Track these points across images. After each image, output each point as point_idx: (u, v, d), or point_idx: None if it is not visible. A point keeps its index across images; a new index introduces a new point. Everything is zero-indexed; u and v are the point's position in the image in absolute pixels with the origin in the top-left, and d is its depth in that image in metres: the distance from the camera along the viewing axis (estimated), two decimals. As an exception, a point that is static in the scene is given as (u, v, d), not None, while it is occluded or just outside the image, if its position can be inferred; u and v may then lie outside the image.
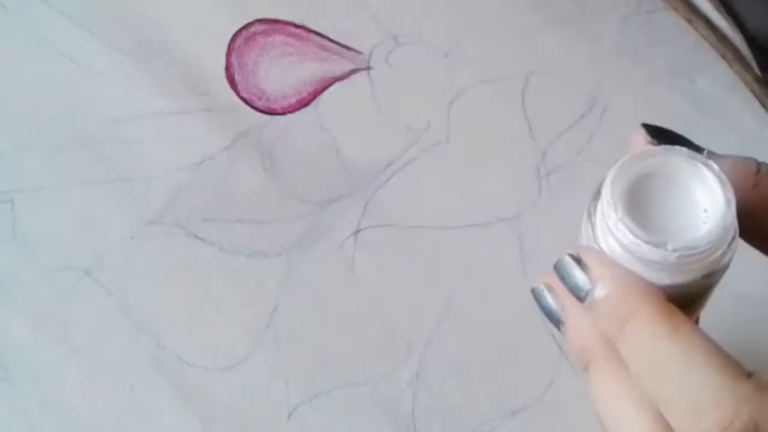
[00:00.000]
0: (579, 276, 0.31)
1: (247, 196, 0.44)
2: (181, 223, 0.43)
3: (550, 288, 0.33)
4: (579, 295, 0.31)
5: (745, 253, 0.32)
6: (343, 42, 0.49)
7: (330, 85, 0.48)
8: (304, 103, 0.47)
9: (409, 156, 0.47)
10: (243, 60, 0.47)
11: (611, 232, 0.30)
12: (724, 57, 0.53)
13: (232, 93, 0.46)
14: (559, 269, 0.33)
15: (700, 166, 0.30)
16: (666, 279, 0.29)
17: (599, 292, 0.30)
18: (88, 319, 0.40)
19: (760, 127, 0.51)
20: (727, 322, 0.39)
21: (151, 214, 0.43)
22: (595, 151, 0.48)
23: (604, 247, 0.30)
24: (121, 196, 0.43)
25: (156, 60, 0.46)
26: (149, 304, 0.41)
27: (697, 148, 0.33)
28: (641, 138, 0.35)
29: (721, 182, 0.29)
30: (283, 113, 0.47)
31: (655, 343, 0.29)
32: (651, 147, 0.33)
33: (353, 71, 0.48)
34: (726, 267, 0.30)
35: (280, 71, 0.47)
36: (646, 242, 0.28)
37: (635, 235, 0.28)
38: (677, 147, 0.32)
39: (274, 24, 0.48)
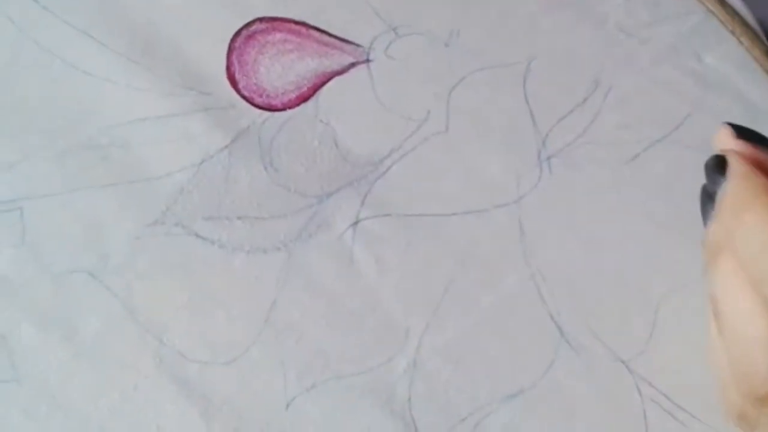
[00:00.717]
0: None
1: (246, 193, 0.45)
2: (183, 223, 0.44)
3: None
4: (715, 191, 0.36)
5: None
6: (343, 36, 0.49)
7: (329, 79, 0.48)
8: (303, 98, 0.48)
9: (409, 146, 0.47)
10: (243, 59, 0.48)
11: None
12: (733, 32, 0.52)
13: (233, 91, 0.47)
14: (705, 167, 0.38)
15: None
16: None
17: (726, 184, 0.35)
18: (93, 320, 0.42)
19: (769, 101, 0.50)
20: None
21: (154, 215, 0.44)
22: (598, 134, 0.48)
23: None
24: (125, 198, 0.44)
25: (158, 63, 0.47)
26: (152, 303, 0.42)
27: None
28: (727, 135, 0.37)
29: None
30: (283, 109, 0.47)
31: (760, 229, 0.33)
32: None
33: (353, 65, 0.49)
34: None
35: (280, 68, 0.48)
36: None
37: None
38: None
39: (273, 22, 0.49)
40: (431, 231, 0.45)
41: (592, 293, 0.44)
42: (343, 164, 0.46)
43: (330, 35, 0.49)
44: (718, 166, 0.36)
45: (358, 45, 0.49)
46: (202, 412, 0.41)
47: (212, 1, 0.49)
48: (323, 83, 0.48)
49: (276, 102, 0.47)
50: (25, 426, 0.40)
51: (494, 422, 0.41)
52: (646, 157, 0.48)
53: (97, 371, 0.41)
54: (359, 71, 0.49)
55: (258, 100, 0.47)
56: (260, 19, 0.49)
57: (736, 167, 0.36)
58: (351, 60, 0.49)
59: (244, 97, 0.47)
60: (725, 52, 0.51)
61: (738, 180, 0.36)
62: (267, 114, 0.47)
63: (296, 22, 0.49)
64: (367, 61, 0.49)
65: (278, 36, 0.49)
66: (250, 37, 0.49)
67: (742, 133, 0.37)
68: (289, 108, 0.47)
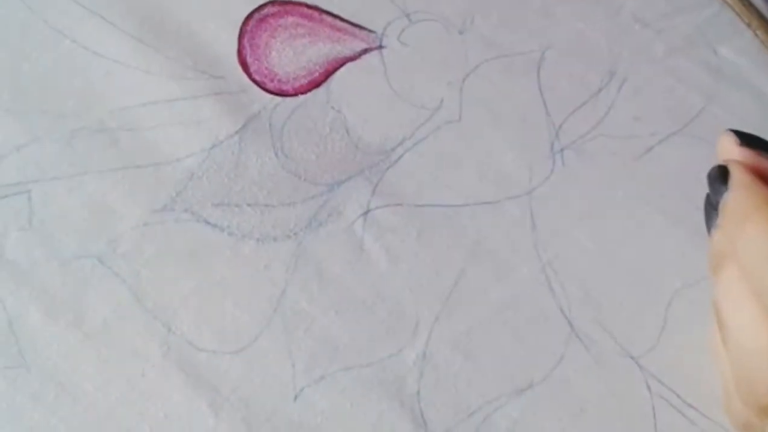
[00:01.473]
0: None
1: (257, 180, 0.45)
2: (192, 209, 0.44)
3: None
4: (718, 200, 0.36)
5: None
6: (355, 21, 0.49)
7: (342, 65, 0.48)
8: (315, 84, 0.47)
9: (421, 134, 0.47)
10: (255, 42, 0.48)
11: None
12: (749, 25, 0.52)
13: (244, 76, 0.47)
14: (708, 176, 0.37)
15: None
16: None
17: (728, 194, 0.35)
18: (101, 306, 0.41)
19: (785, 95, 0.50)
20: None
21: (163, 200, 0.44)
22: (612, 126, 0.48)
23: None
24: (134, 183, 0.44)
25: (169, 45, 0.47)
26: (160, 289, 0.42)
27: None
28: (731, 143, 0.37)
29: None
30: (294, 94, 0.47)
31: (762, 240, 0.33)
32: None
33: (365, 50, 0.48)
34: None
35: (292, 52, 0.48)
36: None
37: None
38: None
39: (286, 5, 0.49)
40: (443, 221, 0.45)
41: (603, 288, 0.44)
42: (354, 152, 0.46)
43: (343, 20, 0.49)
44: (720, 176, 0.36)
45: (371, 31, 0.49)
46: (209, 401, 0.40)
47: (224, -17, 0.48)
48: (335, 69, 0.48)
49: (287, 87, 0.47)
50: (33, 411, 0.40)
51: (504, 416, 0.41)
52: (660, 151, 0.47)
53: (105, 358, 0.41)
54: (372, 57, 0.48)
55: (269, 85, 0.47)
56: (272, 2, 0.49)
57: (738, 177, 0.36)
58: (364, 46, 0.48)
59: (255, 82, 0.47)
60: (741, 45, 0.51)
61: (740, 190, 0.35)
62: (278, 99, 0.47)
63: (309, 6, 0.49)
64: (380, 47, 0.48)
65: (290, 20, 0.48)
66: (261, 20, 0.48)
67: (746, 140, 0.37)
68: (301, 93, 0.47)
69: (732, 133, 0.37)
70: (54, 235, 0.42)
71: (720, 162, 0.37)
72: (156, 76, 0.46)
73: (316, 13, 0.49)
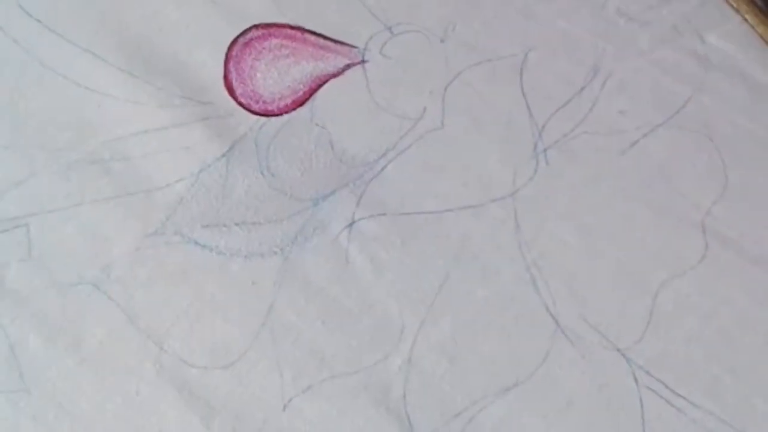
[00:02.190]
0: None
1: (243, 199, 0.46)
2: (182, 231, 0.45)
3: None
4: None
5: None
6: (339, 37, 0.50)
7: (325, 82, 0.49)
8: (299, 103, 0.49)
9: (404, 144, 0.48)
10: (240, 66, 0.49)
11: None
12: (737, 10, 0.51)
13: (231, 99, 0.49)
14: None
15: None
16: None
17: None
18: (97, 329, 0.44)
19: (773, 78, 0.49)
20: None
21: (154, 225, 0.46)
22: (597, 122, 0.48)
23: None
24: (127, 210, 0.46)
25: (157, 76, 0.49)
26: (153, 310, 0.44)
27: None
28: None
29: None
30: (279, 114, 0.48)
31: None
32: None
33: (348, 66, 0.49)
34: None
35: (276, 73, 0.49)
36: None
37: None
38: None
39: (269, 28, 0.50)
40: (426, 228, 0.46)
41: (589, 283, 0.45)
42: (338, 166, 0.47)
43: (325, 38, 0.50)
44: None
45: (353, 46, 0.50)
46: (201, 415, 0.42)
47: (209, 13, 0.50)
48: (319, 86, 0.49)
49: (272, 107, 0.48)
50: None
51: (490, 416, 0.42)
52: (646, 143, 0.48)
53: (101, 378, 0.43)
54: (354, 72, 0.49)
55: (255, 107, 0.48)
56: (256, 26, 0.50)
57: None
58: (346, 62, 0.49)
59: (241, 104, 0.48)
60: (729, 31, 0.50)
61: None
62: (264, 120, 0.48)
63: (292, 27, 0.50)
64: (363, 61, 0.50)
65: (274, 42, 0.50)
66: (246, 44, 0.50)
67: None
68: (286, 113, 0.48)
69: None
70: (52, 264, 0.45)
71: None
72: (145, 106, 0.48)
73: (299, 34, 0.50)
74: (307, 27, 0.50)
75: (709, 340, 0.43)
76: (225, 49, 0.50)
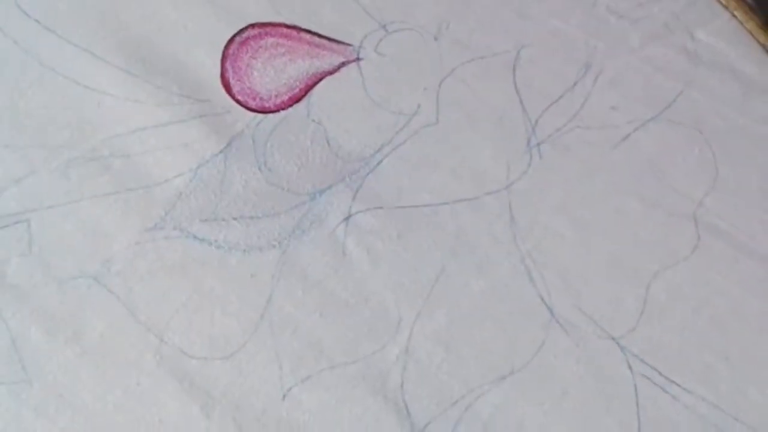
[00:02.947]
0: None
1: (241, 194, 0.47)
2: (181, 226, 0.46)
3: None
4: None
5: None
6: (334, 36, 0.51)
7: (321, 79, 0.50)
8: (296, 99, 0.49)
9: (399, 140, 0.48)
10: (237, 64, 0.50)
11: None
12: (726, 7, 0.52)
13: (228, 97, 0.49)
14: None
15: None
16: None
17: None
18: (97, 322, 0.44)
19: (762, 74, 0.50)
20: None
21: (153, 219, 0.46)
22: (588, 117, 0.49)
23: None
24: (126, 206, 0.46)
25: (156, 75, 0.49)
26: (152, 303, 0.44)
27: None
28: None
29: None
30: (276, 111, 0.49)
31: None
32: None
33: (343, 63, 0.50)
34: None
35: (272, 71, 0.50)
36: None
37: None
38: None
39: (265, 27, 0.51)
40: (422, 221, 0.46)
41: (583, 274, 0.45)
42: (334, 161, 0.48)
43: (321, 36, 0.51)
44: None
45: (348, 44, 0.51)
46: (201, 406, 0.42)
47: (207, 13, 0.51)
48: (315, 83, 0.50)
49: (269, 104, 0.49)
50: (36, 424, 0.42)
51: (486, 403, 0.43)
52: (637, 137, 0.48)
53: (102, 370, 0.43)
54: (350, 70, 0.50)
55: (252, 104, 0.49)
56: (252, 25, 0.51)
57: None
58: (342, 59, 0.50)
59: (238, 102, 0.49)
60: (718, 27, 0.51)
61: None
62: (260, 116, 0.49)
63: (288, 26, 0.51)
64: (358, 59, 0.50)
65: (270, 40, 0.51)
66: (243, 43, 0.50)
67: None
68: (282, 109, 0.49)
69: None
70: (52, 259, 0.45)
71: None
72: (144, 105, 0.48)
73: (294, 32, 0.51)
74: (303, 26, 0.51)
75: (702, 329, 0.44)
76: (222, 48, 0.50)
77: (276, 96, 0.49)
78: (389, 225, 0.46)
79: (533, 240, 0.46)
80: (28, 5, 0.50)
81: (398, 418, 0.42)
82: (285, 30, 0.51)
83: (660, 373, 0.43)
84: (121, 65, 0.49)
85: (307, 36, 0.51)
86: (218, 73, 0.50)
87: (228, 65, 0.50)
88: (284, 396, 0.43)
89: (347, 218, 0.46)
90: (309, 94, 0.49)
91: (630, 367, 0.43)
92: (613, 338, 0.44)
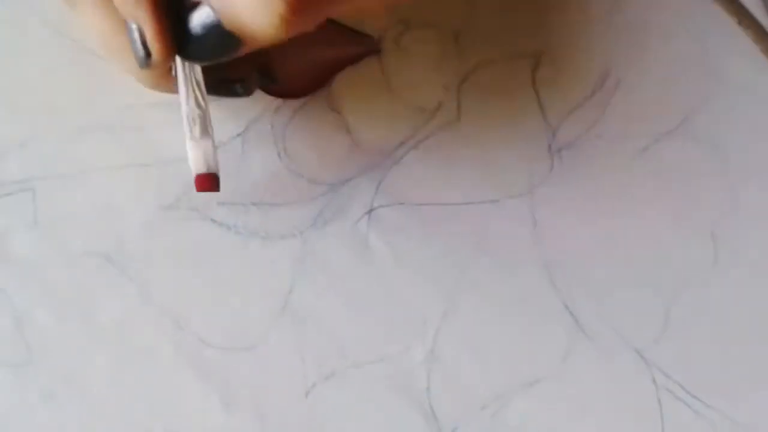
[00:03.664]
0: None
1: (260, 180, 0.45)
2: (198, 207, 0.44)
3: None
4: None
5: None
6: (354, 27, 0.49)
7: (341, 69, 0.48)
8: (315, 87, 0.48)
9: (421, 136, 0.47)
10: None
11: None
12: (739, 23, 0.53)
13: (246, 79, 0.47)
14: None
15: None
16: None
17: None
18: (110, 304, 0.41)
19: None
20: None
21: (169, 199, 0.44)
22: (607, 127, 0.49)
23: None
24: (140, 181, 0.44)
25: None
26: (169, 287, 0.42)
27: None
28: None
29: None
30: (295, 97, 0.47)
31: None
32: None
33: (364, 55, 0.49)
34: None
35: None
36: None
37: None
38: None
39: (285, 10, 0.49)
40: (445, 220, 0.45)
41: (606, 283, 0.45)
42: (355, 153, 0.46)
43: (342, 26, 0.49)
44: None
45: (369, 36, 0.49)
46: (220, 397, 0.40)
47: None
48: (335, 72, 0.48)
49: (288, 90, 0.47)
50: (42, 409, 0.39)
51: (512, 411, 0.42)
52: (656, 150, 0.48)
53: (114, 356, 0.41)
54: (371, 61, 0.49)
55: (271, 89, 0.47)
56: (272, 7, 0.49)
57: None
58: (363, 50, 0.49)
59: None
60: (734, 45, 0.52)
61: None
62: (279, 102, 0.47)
63: (308, 11, 0.49)
64: (379, 51, 0.49)
65: (290, 24, 0.49)
66: (262, 24, 0.48)
67: None
68: (303, 95, 0.47)
69: None
70: (60, 232, 0.42)
71: None
72: (159, 78, 0.46)
73: (315, 18, 0.49)
74: (323, 14, 0.49)
75: (724, 344, 0.44)
76: (240, 28, 0.48)
77: (296, 82, 0.47)
78: (412, 222, 0.45)
79: (555, 246, 0.46)
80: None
81: (425, 421, 0.41)
82: (305, 14, 0.49)
83: (683, 388, 0.43)
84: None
85: (330, 25, 0.49)
86: (236, 53, 0.48)
87: (247, 46, 0.48)
88: (308, 393, 0.41)
89: (369, 212, 0.45)
90: (329, 82, 0.48)
91: (654, 381, 0.43)
92: (636, 350, 0.43)
